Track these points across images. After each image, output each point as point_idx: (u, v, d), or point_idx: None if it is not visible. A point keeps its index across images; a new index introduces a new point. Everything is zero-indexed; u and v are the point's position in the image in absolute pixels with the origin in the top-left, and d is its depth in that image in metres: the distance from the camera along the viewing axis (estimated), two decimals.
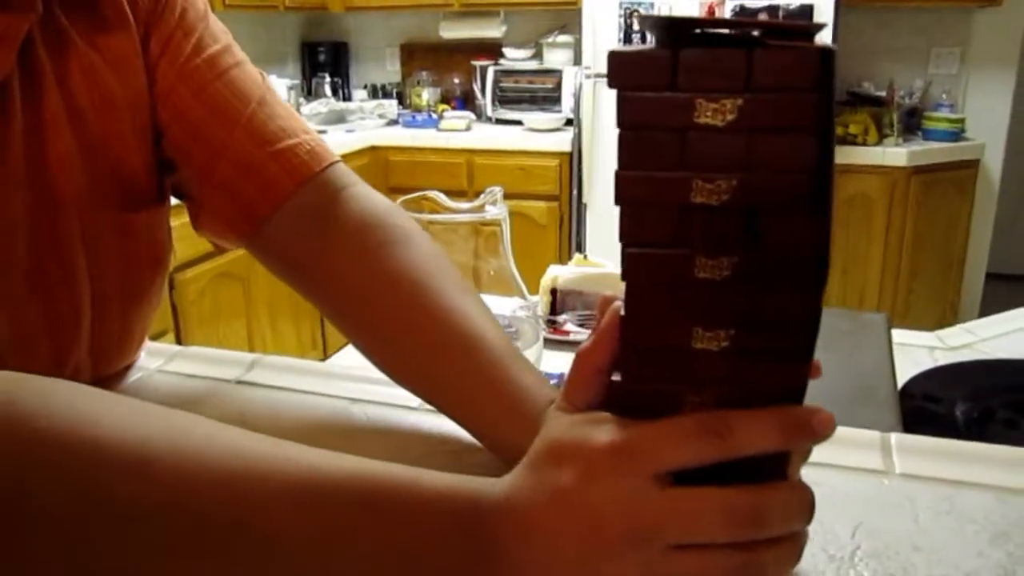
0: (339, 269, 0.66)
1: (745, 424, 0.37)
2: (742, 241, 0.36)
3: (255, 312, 2.93)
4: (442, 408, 0.62)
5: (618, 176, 0.36)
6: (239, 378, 0.73)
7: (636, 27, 3.19)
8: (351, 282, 0.65)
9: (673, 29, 0.35)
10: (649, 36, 0.36)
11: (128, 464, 0.39)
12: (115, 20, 0.63)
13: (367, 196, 0.70)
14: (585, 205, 3.39)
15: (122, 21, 0.64)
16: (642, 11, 3.16)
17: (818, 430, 0.37)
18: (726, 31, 0.35)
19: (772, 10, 3.05)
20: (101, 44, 0.62)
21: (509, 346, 0.59)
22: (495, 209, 0.90)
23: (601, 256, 1.41)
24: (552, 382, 0.59)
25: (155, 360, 0.75)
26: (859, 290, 3.37)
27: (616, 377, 0.40)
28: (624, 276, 0.37)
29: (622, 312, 0.38)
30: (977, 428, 0.79)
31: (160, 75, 0.66)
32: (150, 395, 0.70)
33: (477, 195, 0.92)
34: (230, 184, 0.66)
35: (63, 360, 0.63)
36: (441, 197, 0.95)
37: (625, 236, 0.37)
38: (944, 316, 3.48)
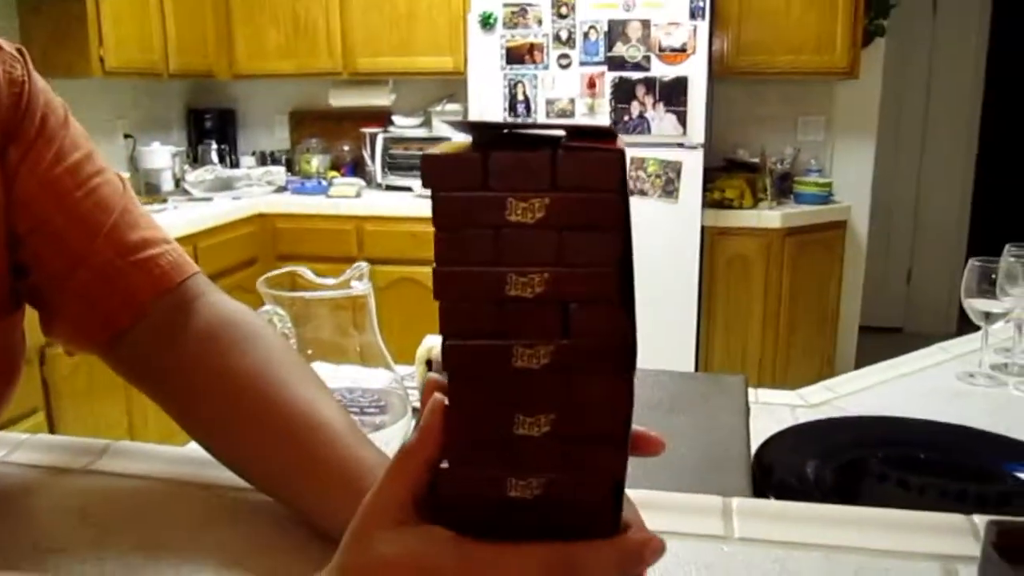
0: (186, 374, 0.66)
1: (589, 560, 0.39)
2: (556, 331, 0.37)
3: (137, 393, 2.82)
4: (277, 493, 0.62)
5: (435, 273, 0.37)
6: (87, 466, 0.70)
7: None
8: (196, 384, 0.65)
9: (483, 131, 0.37)
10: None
11: None
12: None
13: (220, 302, 0.70)
14: None
15: None
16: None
17: (648, 559, 0.40)
18: (533, 132, 0.38)
19: (648, 82, 3.18)
20: None
21: (351, 427, 0.60)
22: (360, 285, 0.91)
23: None
24: None
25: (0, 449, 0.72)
26: (741, 346, 3.50)
27: (444, 465, 0.41)
28: (445, 367, 0.39)
29: (446, 402, 0.39)
30: (825, 487, 0.83)
31: (20, 183, 0.64)
32: None
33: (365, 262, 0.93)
34: (88, 293, 0.65)
35: None
36: (307, 273, 0.95)
37: (445, 329, 0.38)
38: (822, 368, 3.64)
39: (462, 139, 0.39)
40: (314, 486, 0.58)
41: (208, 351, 0.66)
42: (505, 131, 0.37)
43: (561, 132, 0.37)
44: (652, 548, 0.40)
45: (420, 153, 3.73)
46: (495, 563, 0.39)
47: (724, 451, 0.85)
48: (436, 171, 0.37)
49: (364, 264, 0.92)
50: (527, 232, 0.37)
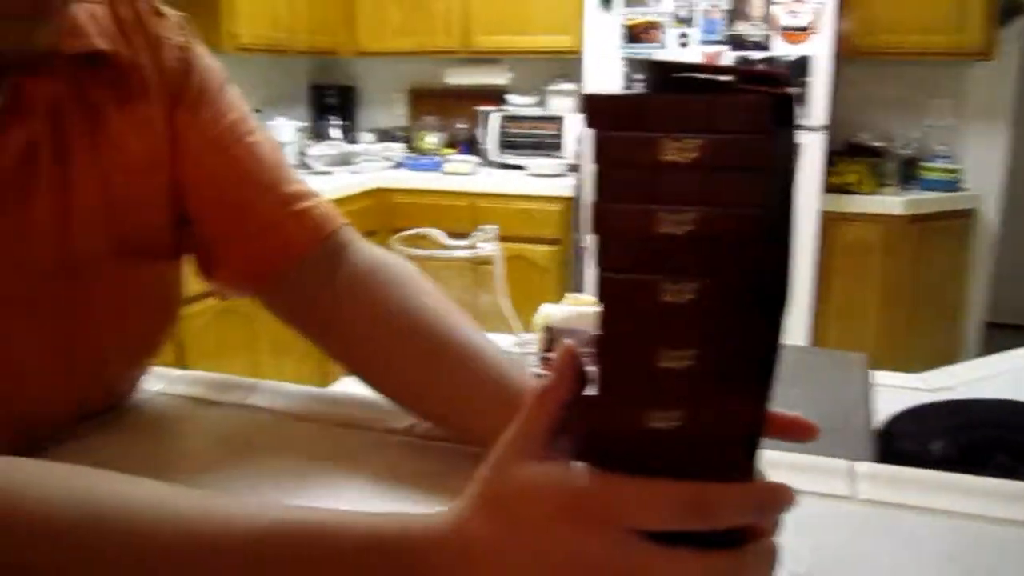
0: (342, 312, 0.71)
1: (726, 499, 0.40)
2: (704, 268, 0.39)
3: (258, 347, 2.96)
4: (442, 418, 0.67)
5: (593, 207, 0.40)
6: (240, 401, 0.76)
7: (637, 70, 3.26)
8: (353, 321, 0.71)
9: (657, 70, 0.39)
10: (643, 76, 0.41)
11: (40, 529, 0.41)
12: (141, 91, 0.68)
13: (368, 248, 0.75)
14: (585, 249, 3.44)
15: (147, 91, 0.69)
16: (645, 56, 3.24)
17: (781, 507, 0.42)
18: (703, 76, 0.39)
19: (770, 62, 3.12)
20: (125, 110, 0.67)
21: (502, 354, 0.66)
22: (488, 246, 0.94)
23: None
24: None
25: (157, 382, 0.79)
26: (856, 335, 3.40)
27: (588, 392, 0.43)
28: (599, 299, 0.41)
29: (594, 333, 0.42)
30: (950, 464, 0.82)
31: (186, 141, 0.71)
32: (148, 415, 0.74)
33: (475, 231, 0.96)
34: (251, 241, 0.71)
35: (81, 400, 0.67)
36: (437, 234, 0.99)
37: (600, 262, 0.40)
38: (942, 364, 3.50)
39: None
40: (477, 407, 0.62)
41: (364, 290, 0.71)
42: (678, 74, 0.39)
43: (731, 77, 0.39)
44: (785, 496, 0.41)
45: (533, 132, 3.78)
46: (630, 494, 0.41)
47: (845, 423, 0.84)
48: (596, 111, 0.39)
49: (492, 227, 0.96)
50: (680, 172, 0.38)
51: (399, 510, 0.43)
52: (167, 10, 0.73)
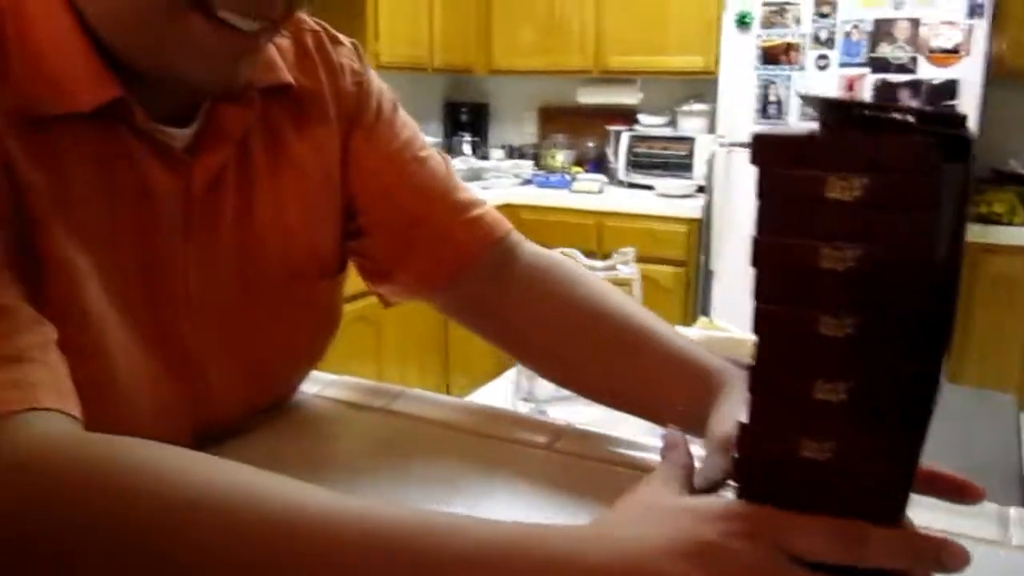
0: (519, 309, 0.77)
1: (879, 539, 0.41)
2: (864, 304, 0.40)
3: (385, 355, 3.06)
4: (624, 398, 0.72)
5: (755, 241, 0.41)
6: (385, 407, 0.80)
7: (801, 104, 3.21)
8: (531, 317, 0.77)
9: (830, 108, 0.40)
10: (809, 113, 0.42)
11: (185, 514, 0.43)
12: (319, 115, 0.73)
13: (537, 249, 0.81)
14: (712, 272, 3.40)
15: (325, 116, 0.74)
16: (802, 91, 3.19)
17: (947, 564, 0.40)
18: (875, 114, 0.40)
19: (914, 85, 3.01)
20: (306, 134, 0.72)
21: (678, 334, 0.70)
22: (628, 269, 0.96)
23: (726, 322, 1.44)
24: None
25: (313, 386, 0.84)
26: (998, 373, 3.22)
27: (742, 419, 0.44)
28: (755, 330, 0.42)
29: (747, 365, 0.43)
30: None
31: (364, 159, 0.76)
32: (304, 415, 0.79)
33: (607, 256, 0.98)
34: (428, 248, 0.76)
35: (250, 401, 0.73)
36: (577, 255, 1.02)
37: (758, 294, 0.41)
38: None
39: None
40: (666, 385, 0.68)
41: (539, 287, 0.77)
42: (852, 111, 0.40)
43: (908, 117, 0.39)
44: (952, 553, 0.40)
45: (663, 152, 3.76)
46: (787, 517, 0.42)
47: (993, 465, 0.82)
48: (763, 148, 0.40)
49: (630, 249, 0.97)
50: (844, 209, 0.39)
51: (541, 521, 0.44)
52: (343, 37, 0.79)
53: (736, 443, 0.45)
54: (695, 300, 3.51)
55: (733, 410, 0.57)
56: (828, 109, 0.40)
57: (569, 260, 0.80)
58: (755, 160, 0.40)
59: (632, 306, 0.75)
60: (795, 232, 0.40)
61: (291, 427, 0.76)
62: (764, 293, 0.41)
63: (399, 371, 3.18)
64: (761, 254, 0.41)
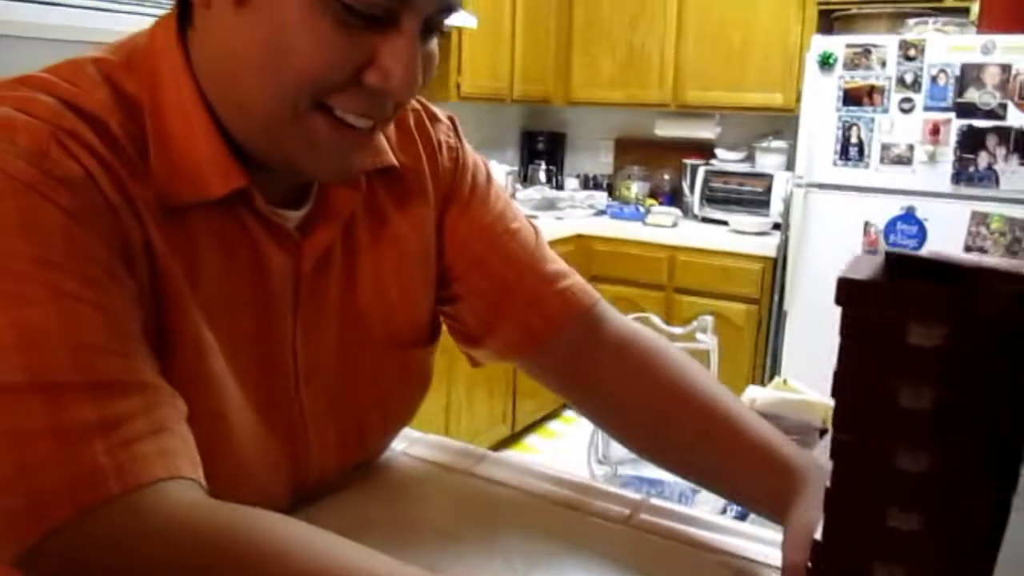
0: (604, 379, 0.81)
1: None
2: (940, 442, 0.42)
3: (454, 383, 3.11)
4: (705, 478, 0.76)
5: (836, 375, 0.44)
6: (470, 469, 0.84)
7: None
8: (616, 387, 0.80)
9: (906, 263, 0.43)
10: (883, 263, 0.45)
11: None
12: (419, 193, 0.78)
13: (623, 321, 0.85)
14: (786, 312, 3.37)
15: (424, 193, 0.79)
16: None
17: None
18: (956, 264, 0.43)
19: (1002, 131, 2.95)
20: (406, 211, 0.77)
21: (760, 419, 0.74)
22: (705, 338, 0.98)
23: (800, 370, 1.44)
24: None
25: (400, 442, 0.88)
26: None
27: (817, 537, 0.47)
28: (832, 455, 0.45)
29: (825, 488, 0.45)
30: None
31: (459, 231, 0.81)
32: (394, 473, 0.83)
33: (688, 321, 1.01)
34: (519, 316, 0.81)
35: (344, 459, 0.78)
36: (655, 320, 1.05)
37: (837, 424, 0.44)
38: None
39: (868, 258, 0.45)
40: (746, 470, 0.71)
41: (625, 359, 0.80)
42: (924, 263, 0.42)
43: (986, 267, 0.42)
44: None
45: (738, 188, 3.75)
46: None
47: None
48: (848, 292, 0.43)
49: (709, 318, 1.00)
50: (923, 354, 0.42)
51: None
52: (440, 113, 0.84)
53: (811, 555, 0.48)
54: (767, 339, 3.48)
55: (811, 513, 0.59)
56: (898, 261, 0.43)
57: (653, 333, 0.83)
58: (839, 301, 0.43)
59: (717, 387, 0.78)
60: (876, 371, 0.43)
61: (381, 488, 0.80)
62: (843, 423, 0.44)
63: (467, 395, 3.23)
64: (842, 388, 0.44)
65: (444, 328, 0.86)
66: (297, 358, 0.70)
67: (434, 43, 0.64)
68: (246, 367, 0.67)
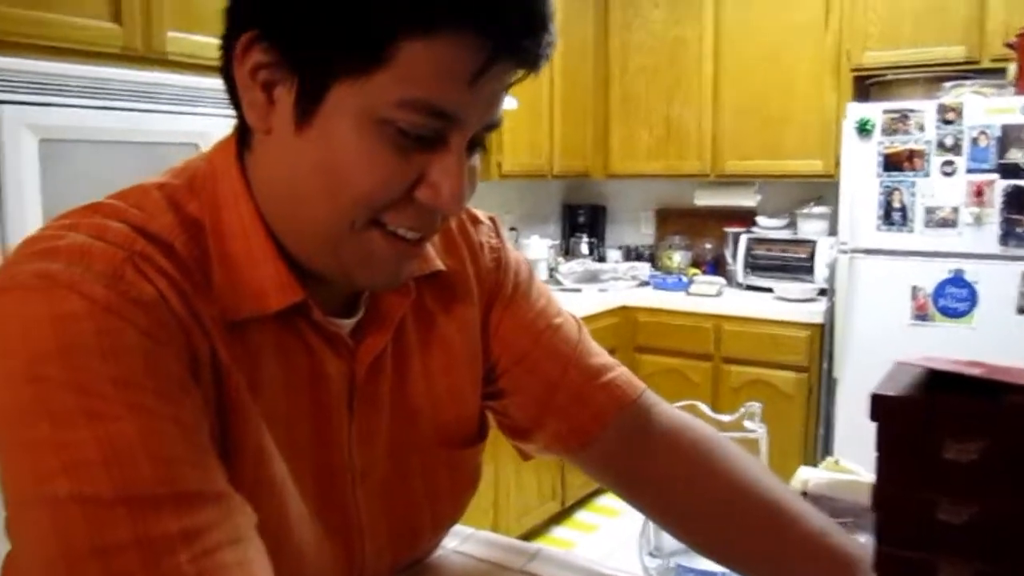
0: (653, 471, 0.81)
1: None
2: (980, 554, 0.43)
3: (502, 461, 3.10)
4: (762, 571, 0.76)
5: (875, 489, 0.45)
6: (522, 567, 0.85)
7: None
8: (666, 480, 0.81)
9: (934, 377, 0.44)
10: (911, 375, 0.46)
11: None
12: (464, 295, 0.81)
13: (670, 411, 0.85)
14: (836, 379, 3.33)
15: (469, 295, 0.82)
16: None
17: None
18: (990, 379, 0.44)
19: None
20: (453, 313, 0.80)
21: (820, 515, 0.74)
22: (753, 425, 0.99)
23: (853, 439, 1.41)
24: None
25: (452, 540, 0.89)
26: None
27: None
28: (875, 568, 0.46)
29: None
30: None
31: (502, 330, 0.83)
32: (447, 571, 0.84)
33: (737, 409, 1.01)
34: (565, 411, 0.82)
35: (396, 557, 0.79)
36: (703, 407, 1.05)
37: (879, 537, 0.45)
38: None
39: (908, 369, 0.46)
40: (804, 566, 0.71)
41: (673, 451, 0.81)
42: (958, 377, 0.44)
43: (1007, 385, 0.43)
44: None
45: (782, 255, 3.74)
46: None
47: None
48: (883, 409, 0.44)
49: (757, 404, 1.00)
50: (960, 468, 0.43)
51: None
52: (481, 214, 0.87)
53: None
54: (817, 408, 3.43)
55: None
56: (937, 379, 0.44)
57: (702, 423, 0.84)
58: (874, 417, 0.45)
59: (769, 478, 0.79)
60: (913, 485, 0.44)
61: None
62: (884, 536, 0.45)
63: (515, 472, 3.22)
64: (881, 502, 0.45)
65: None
66: (352, 460, 0.73)
67: (477, 157, 0.67)
68: (304, 471, 0.69)
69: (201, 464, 0.55)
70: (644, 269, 4.18)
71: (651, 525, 0.98)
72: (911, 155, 3.16)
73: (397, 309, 0.74)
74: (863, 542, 0.72)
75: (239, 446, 0.63)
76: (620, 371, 0.85)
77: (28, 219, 1.76)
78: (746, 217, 4.09)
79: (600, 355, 0.86)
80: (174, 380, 0.57)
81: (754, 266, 3.91)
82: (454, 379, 0.80)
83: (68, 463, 0.51)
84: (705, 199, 4.18)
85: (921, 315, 3.15)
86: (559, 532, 3.54)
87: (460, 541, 0.89)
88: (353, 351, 0.72)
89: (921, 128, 3.14)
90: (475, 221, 0.86)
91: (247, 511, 0.58)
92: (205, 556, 0.51)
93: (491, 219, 0.88)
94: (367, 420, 0.73)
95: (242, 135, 0.67)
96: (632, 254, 4.46)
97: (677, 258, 4.25)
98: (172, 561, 0.50)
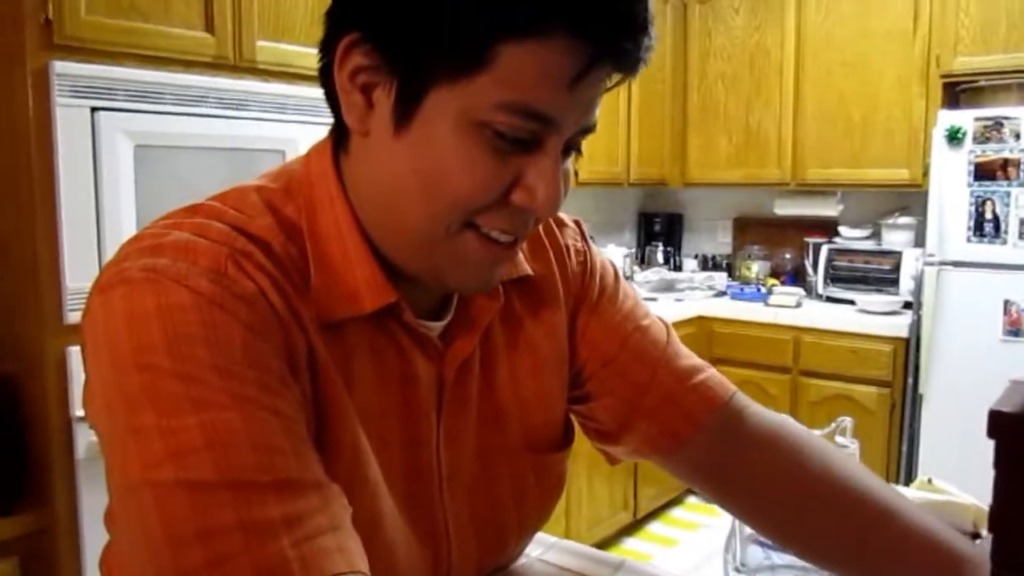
0: (747, 472, 0.80)
1: None
2: None
3: (574, 471, 3.09)
4: (867, 573, 0.74)
5: (992, 509, 0.43)
6: None
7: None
8: (760, 481, 0.79)
9: None
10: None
11: None
12: (551, 298, 0.81)
13: (763, 412, 0.83)
14: (921, 395, 3.22)
15: (556, 298, 0.81)
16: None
17: None
18: None
19: None
20: (539, 317, 0.80)
21: (919, 511, 0.71)
22: (845, 441, 0.96)
23: (939, 457, 1.35)
24: None
25: (535, 548, 0.89)
26: None
27: None
28: None
29: None
30: None
31: (589, 333, 0.83)
32: None
33: (824, 423, 0.99)
34: (655, 413, 0.81)
35: (482, 562, 0.79)
36: (794, 422, 1.02)
37: (995, 559, 0.43)
38: None
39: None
40: (907, 565, 0.69)
41: (767, 451, 0.79)
42: None
43: None
44: None
45: (864, 267, 3.64)
46: None
47: None
48: (1001, 424, 0.43)
49: (848, 419, 0.97)
50: None
51: None
52: (566, 217, 0.86)
53: None
54: (901, 425, 3.32)
55: None
56: None
57: (796, 424, 0.82)
58: (991, 434, 0.43)
59: (871, 477, 0.76)
60: None
61: None
62: (1002, 560, 0.43)
63: (588, 482, 3.20)
64: (998, 523, 0.43)
65: None
66: (440, 462, 0.73)
67: (571, 161, 0.67)
68: (394, 471, 0.70)
69: (301, 454, 0.56)
70: (721, 279, 4.12)
71: (737, 540, 0.97)
72: (1005, 164, 3.05)
73: (486, 313, 0.74)
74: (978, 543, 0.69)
75: (335, 443, 0.64)
76: (711, 372, 0.84)
77: (123, 221, 1.83)
78: (827, 227, 4.00)
79: (689, 357, 0.85)
80: (274, 373, 0.58)
81: (835, 277, 3.81)
82: (541, 383, 0.80)
83: (174, 449, 0.52)
84: (785, 208, 4.10)
85: (1014, 330, 3.02)
86: (631, 544, 3.50)
87: (545, 549, 0.89)
88: (442, 353, 0.72)
89: (1017, 136, 3.02)
90: (561, 225, 0.85)
91: (344, 502, 0.58)
92: (306, 541, 0.52)
93: (576, 223, 0.88)
94: (455, 422, 0.74)
95: (339, 138, 0.68)
96: (709, 263, 4.41)
97: (756, 268, 4.17)
98: (275, 545, 0.51)
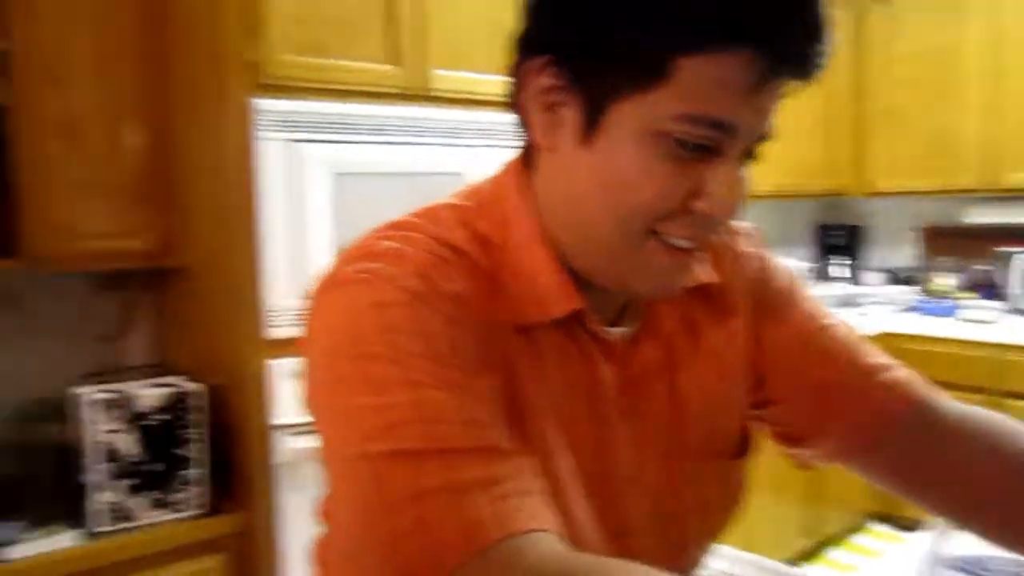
0: (948, 466, 0.77)
1: None
2: None
3: (757, 490, 3.00)
4: None
5: None
6: None
7: None
8: (962, 474, 0.76)
9: None
10: None
11: None
12: (730, 306, 0.82)
13: (956, 404, 0.80)
14: None
15: (735, 306, 0.82)
16: None
17: None
18: None
19: None
20: (719, 324, 0.81)
21: None
22: None
23: None
24: None
25: (719, 561, 0.88)
26: None
27: None
28: None
29: None
30: None
31: (771, 339, 0.83)
32: None
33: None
34: (843, 411, 0.80)
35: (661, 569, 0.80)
36: None
37: None
38: None
39: None
40: None
41: (967, 444, 0.76)
42: None
43: None
44: None
45: None
46: None
47: None
48: None
49: None
50: None
51: None
52: (743, 226, 0.86)
53: None
54: None
55: None
56: None
57: (992, 412, 0.78)
58: None
59: None
60: None
61: None
62: None
63: (763, 505, 3.11)
64: None
65: None
66: (624, 467, 0.75)
67: (747, 168, 0.67)
68: (583, 473, 0.72)
69: (499, 427, 0.60)
70: (908, 293, 3.90)
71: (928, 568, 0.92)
72: None
73: (667, 320, 0.76)
74: None
75: (528, 438, 0.67)
76: (900, 369, 0.81)
77: (324, 243, 1.98)
78: None
79: (877, 354, 0.83)
80: (473, 360, 0.62)
81: None
82: (722, 389, 0.80)
83: (388, 424, 0.57)
84: (978, 216, 3.84)
85: None
86: (811, 571, 3.36)
87: (730, 563, 0.88)
88: (626, 359, 0.74)
89: None
90: (737, 232, 0.86)
91: (539, 473, 0.61)
92: (502, 500, 0.55)
93: (752, 230, 0.88)
94: (638, 426, 0.75)
95: (527, 155, 0.72)
96: (894, 277, 4.18)
97: (946, 282, 3.92)
98: (473, 501, 0.55)
